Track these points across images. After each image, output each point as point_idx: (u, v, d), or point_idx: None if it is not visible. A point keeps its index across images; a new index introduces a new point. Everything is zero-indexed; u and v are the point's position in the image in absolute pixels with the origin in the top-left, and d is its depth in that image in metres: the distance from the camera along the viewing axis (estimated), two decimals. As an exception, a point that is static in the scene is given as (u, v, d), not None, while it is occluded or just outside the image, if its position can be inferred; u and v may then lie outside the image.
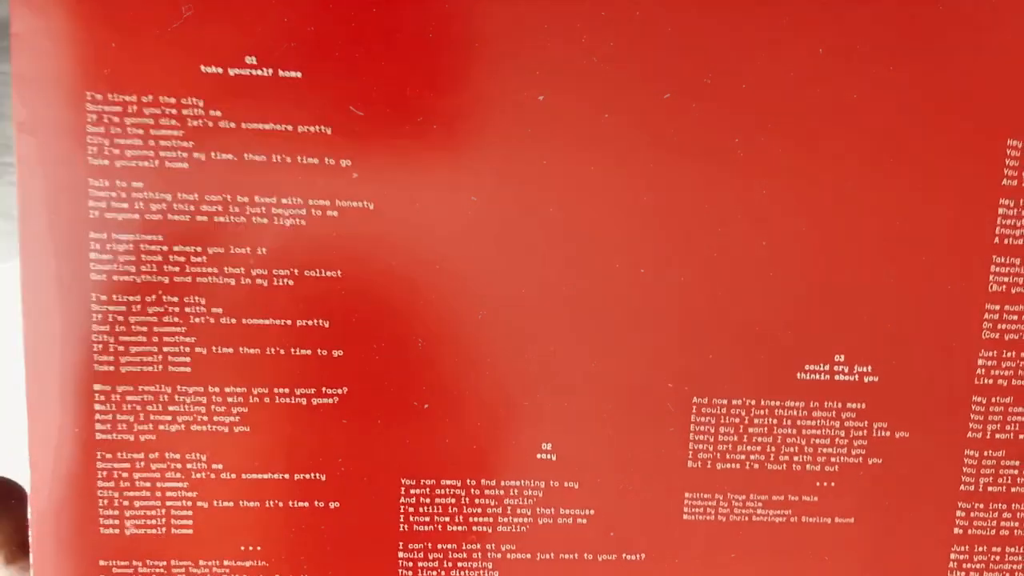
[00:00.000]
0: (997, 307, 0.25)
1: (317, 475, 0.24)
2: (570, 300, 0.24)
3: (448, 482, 0.25)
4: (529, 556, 0.25)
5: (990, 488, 0.26)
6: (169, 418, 0.24)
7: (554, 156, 0.23)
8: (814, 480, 0.26)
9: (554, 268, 0.24)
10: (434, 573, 0.25)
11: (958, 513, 0.26)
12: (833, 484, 0.26)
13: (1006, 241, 0.25)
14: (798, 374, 0.25)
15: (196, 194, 0.23)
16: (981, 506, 0.26)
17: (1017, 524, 0.26)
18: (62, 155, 0.22)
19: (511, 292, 0.24)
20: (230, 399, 0.24)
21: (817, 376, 0.25)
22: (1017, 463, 0.26)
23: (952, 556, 0.26)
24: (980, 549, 0.26)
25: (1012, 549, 0.26)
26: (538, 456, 0.25)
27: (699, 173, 0.24)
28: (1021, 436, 0.26)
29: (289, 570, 0.25)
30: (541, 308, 0.24)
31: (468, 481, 0.25)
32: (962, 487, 0.26)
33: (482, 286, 0.24)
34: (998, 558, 0.26)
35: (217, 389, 0.24)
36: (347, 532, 0.25)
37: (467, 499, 0.25)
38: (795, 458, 0.26)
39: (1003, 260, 0.25)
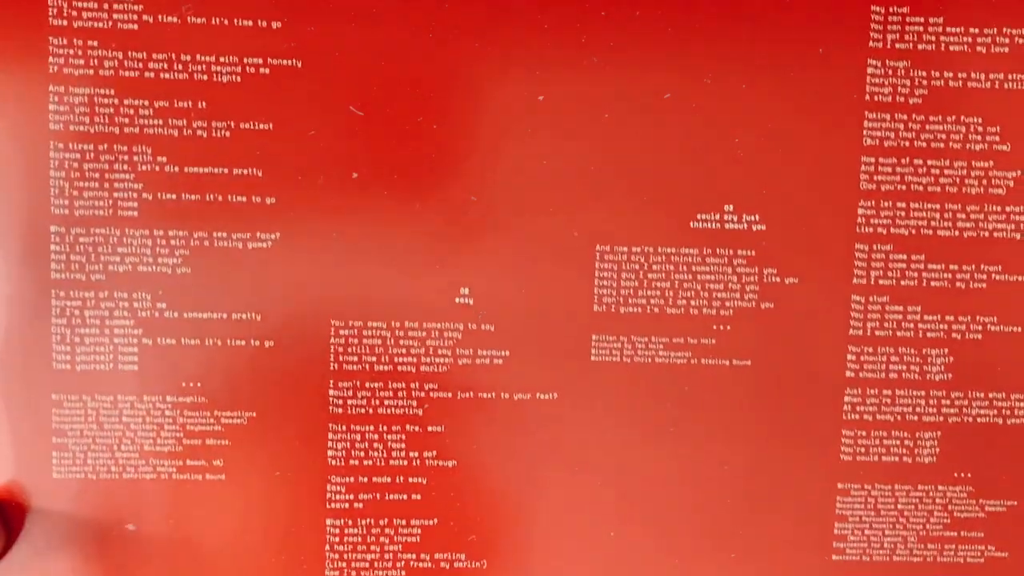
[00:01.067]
0: (872, 159, 0.28)
1: (253, 315, 0.27)
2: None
3: (374, 324, 0.27)
4: (450, 395, 0.28)
5: (877, 332, 0.28)
6: (118, 259, 0.26)
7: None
8: (711, 324, 0.28)
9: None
10: (363, 409, 0.27)
11: (849, 357, 0.28)
12: (729, 328, 0.28)
13: (876, 98, 0.27)
14: (691, 223, 0.28)
15: (144, 52, 0.26)
16: (870, 350, 0.28)
17: (904, 367, 0.28)
18: (23, 15, 0.25)
19: (433, 140, 0.27)
20: (173, 242, 0.26)
21: (709, 225, 0.28)
22: (900, 308, 0.28)
23: (846, 399, 0.28)
24: (872, 392, 0.28)
25: (902, 392, 0.28)
26: (456, 300, 0.27)
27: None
28: (903, 282, 0.28)
29: (227, 405, 0.27)
30: (456, 162, 0.27)
31: (393, 323, 0.27)
32: (851, 331, 0.28)
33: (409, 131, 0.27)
34: (889, 401, 0.28)
35: (161, 232, 0.26)
36: (281, 370, 0.27)
37: (392, 340, 0.27)
38: (692, 302, 0.28)
39: (875, 116, 0.27)
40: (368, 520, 0.28)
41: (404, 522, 0.28)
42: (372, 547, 0.28)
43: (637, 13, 0.26)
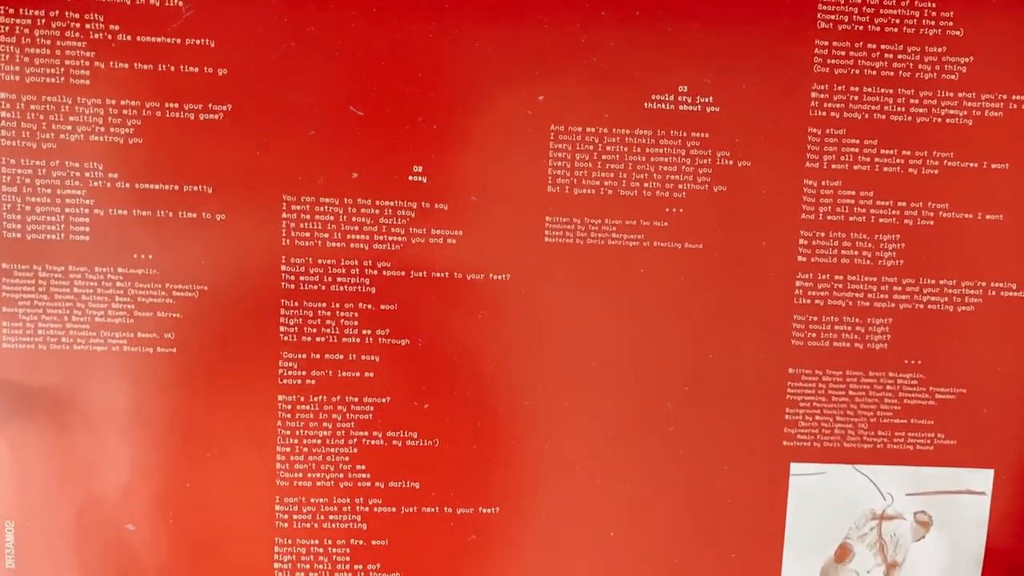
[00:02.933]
0: (826, 43, 0.28)
1: (204, 187, 0.27)
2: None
3: (327, 200, 0.27)
4: (403, 273, 0.28)
5: (829, 217, 0.28)
6: (69, 127, 0.26)
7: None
8: (664, 206, 0.28)
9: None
10: (315, 286, 0.27)
11: (800, 241, 0.28)
12: (682, 210, 0.28)
13: (829, -19, 0.27)
14: (645, 104, 0.28)
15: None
16: (822, 235, 0.28)
17: (856, 253, 0.28)
18: None
19: (390, 25, 0.27)
20: (125, 111, 0.26)
21: (663, 106, 0.28)
22: (853, 193, 0.28)
23: (797, 284, 0.28)
24: (823, 277, 0.28)
25: (853, 278, 0.29)
26: (410, 178, 0.27)
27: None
28: (855, 167, 0.28)
29: (179, 278, 0.27)
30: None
31: (345, 200, 0.27)
32: (803, 216, 0.28)
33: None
34: (840, 286, 0.29)
35: (113, 102, 0.26)
36: (233, 243, 0.27)
37: (344, 217, 0.27)
38: (645, 185, 0.28)
39: (829, 0, 0.27)
40: (320, 397, 0.28)
41: (356, 399, 0.28)
42: (324, 424, 0.28)
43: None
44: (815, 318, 0.29)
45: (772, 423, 0.29)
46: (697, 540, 0.29)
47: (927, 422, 0.29)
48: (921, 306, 0.29)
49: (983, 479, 0.29)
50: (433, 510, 0.28)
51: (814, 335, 0.29)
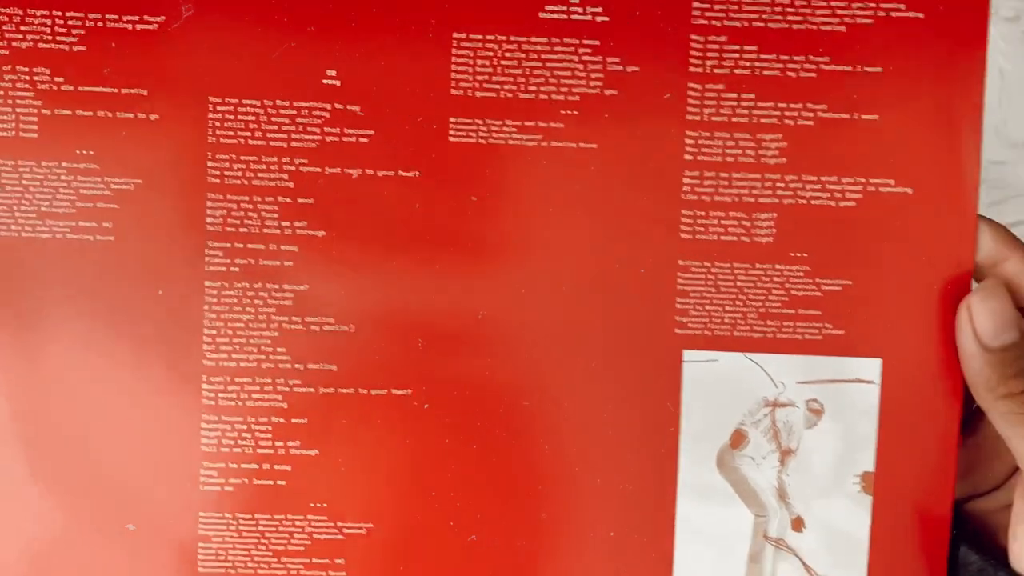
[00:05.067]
0: (705, -42, 0.30)
1: (140, 91, 0.30)
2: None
3: (248, 101, 0.30)
4: (319, 170, 0.30)
5: (714, 118, 0.30)
6: (20, 36, 0.29)
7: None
8: (559, 108, 0.30)
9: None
10: (238, 181, 0.30)
11: (687, 141, 0.31)
12: (576, 112, 0.30)
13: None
14: (540, 13, 0.30)
15: None
16: (707, 135, 0.31)
17: (740, 151, 0.31)
18: None
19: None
20: (71, 22, 0.29)
21: (556, 16, 0.30)
22: (735, 95, 0.30)
23: (685, 181, 0.31)
24: (709, 175, 0.31)
25: (738, 175, 0.31)
26: (324, 82, 0.30)
27: None
28: (736, 71, 0.30)
29: (117, 173, 0.30)
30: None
31: (265, 101, 0.30)
32: (688, 117, 0.30)
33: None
34: (726, 183, 0.31)
35: (60, 13, 0.29)
36: (164, 141, 0.30)
37: (265, 117, 0.30)
38: (542, 88, 0.30)
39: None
40: (243, 284, 0.30)
41: (277, 286, 0.30)
42: (248, 309, 0.30)
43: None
44: (703, 213, 0.31)
45: (664, 313, 0.31)
46: (593, 430, 0.31)
47: (814, 312, 0.31)
48: (804, 202, 0.31)
49: (871, 368, 0.31)
50: (349, 391, 0.31)
51: (702, 229, 0.31)
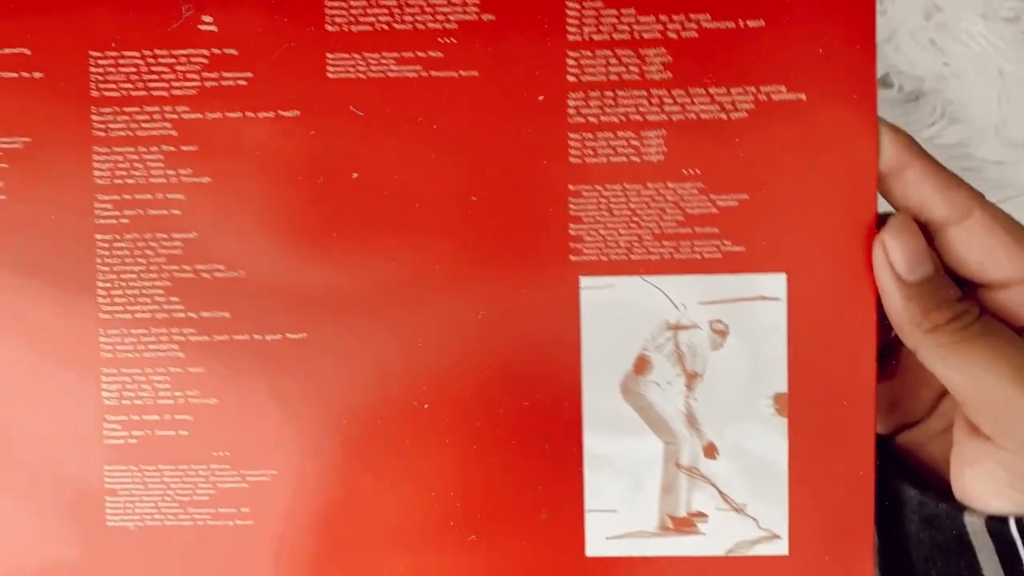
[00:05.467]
0: None
1: (22, 50, 0.30)
2: None
3: (128, 53, 0.30)
4: (201, 116, 0.30)
5: (594, 36, 0.30)
6: (-96, 4, 0.30)
7: None
8: (437, 37, 0.30)
9: None
10: (123, 132, 0.30)
11: (569, 62, 0.30)
12: (454, 40, 0.30)
13: None
14: (411, -56, 0.30)
15: None
16: (589, 54, 0.30)
17: (624, 69, 0.30)
18: None
19: None
20: (-50, -13, 0.30)
21: (428, -55, 0.30)
22: (615, 11, 0.30)
23: (570, 103, 0.30)
24: (594, 95, 0.30)
25: (624, 93, 0.30)
26: (200, 28, 0.30)
27: None
28: (614, -12, 0.30)
29: (6, 132, 0.30)
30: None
31: (145, 52, 0.30)
32: (569, 37, 0.30)
33: None
34: (612, 103, 0.30)
35: (-60, -21, 0.30)
36: (49, 99, 0.30)
37: (145, 67, 0.30)
38: (418, 18, 0.30)
39: None
40: (133, 235, 0.30)
41: (166, 236, 0.31)
42: (139, 259, 0.31)
43: None
44: (590, 136, 0.30)
45: (558, 240, 0.30)
46: (496, 366, 0.30)
47: (712, 230, 0.30)
48: (694, 116, 0.30)
49: (776, 284, 0.30)
50: (244, 338, 0.31)
51: (591, 152, 0.30)
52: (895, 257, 0.28)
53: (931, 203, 0.29)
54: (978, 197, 0.29)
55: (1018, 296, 0.29)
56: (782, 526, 0.30)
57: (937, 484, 0.31)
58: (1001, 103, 0.42)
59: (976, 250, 0.29)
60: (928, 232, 0.29)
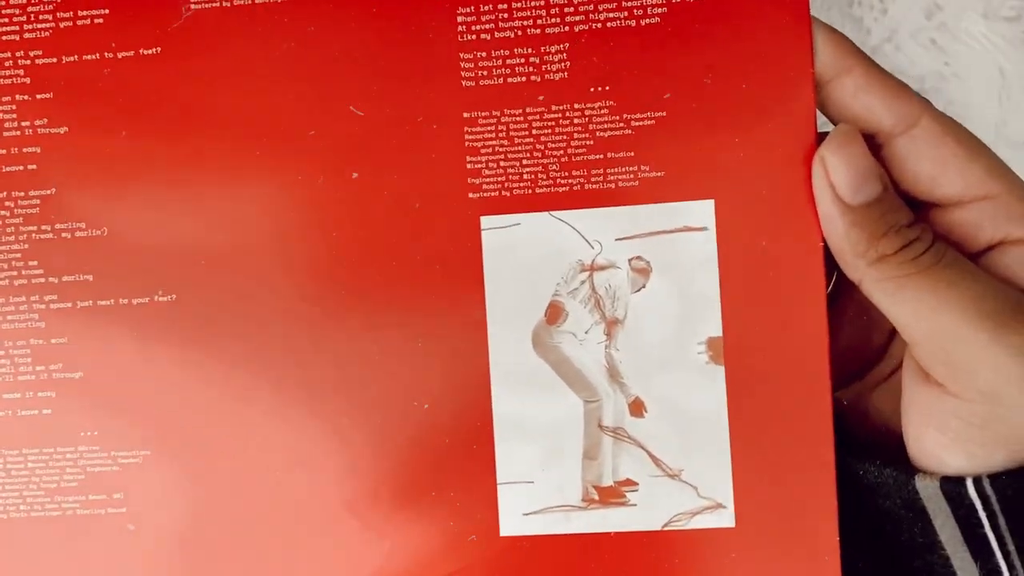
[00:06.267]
0: None
1: None
2: None
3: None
4: (55, 60, 0.27)
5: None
6: None
7: None
8: (308, -43, 0.27)
9: None
10: (-28, 83, 0.28)
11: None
12: None
13: None
14: None
15: None
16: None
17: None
18: None
19: None
20: None
21: None
22: (504, -84, 0.26)
23: (459, 19, 0.26)
24: (486, 8, 0.26)
25: (518, 3, 0.26)
26: (53, -36, 0.27)
27: None
28: None
29: None
30: None
31: (-6, -7, 0.28)
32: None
33: None
34: (506, 15, 0.26)
35: None
36: None
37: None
38: (286, -62, 0.27)
39: None
40: (-12, 193, 0.28)
41: (23, 193, 0.28)
42: (-7, 221, 0.28)
43: None
44: (483, 54, 0.26)
45: (455, 176, 0.27)
46: (395, 320, 0.27)
47: (626, 154, 0.26)
48: (599, 25, 0.26)
49: (703, 212, 0.26)
50: (108, 302, 0.27)
51: (485, 73, 0.26)
52: (836, 176, 0.24)
53: (874, 111, 0.25)
54: (925, 104, 0.25)
55: (973, 215, 0.24)
56: (726, 493, 0.26)
57: (884, 444, 0.26)
58: (1001, 103, 0.41)
59: (925, 163, 0.24)
60: (872, 146, 0.25)
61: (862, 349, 0.28)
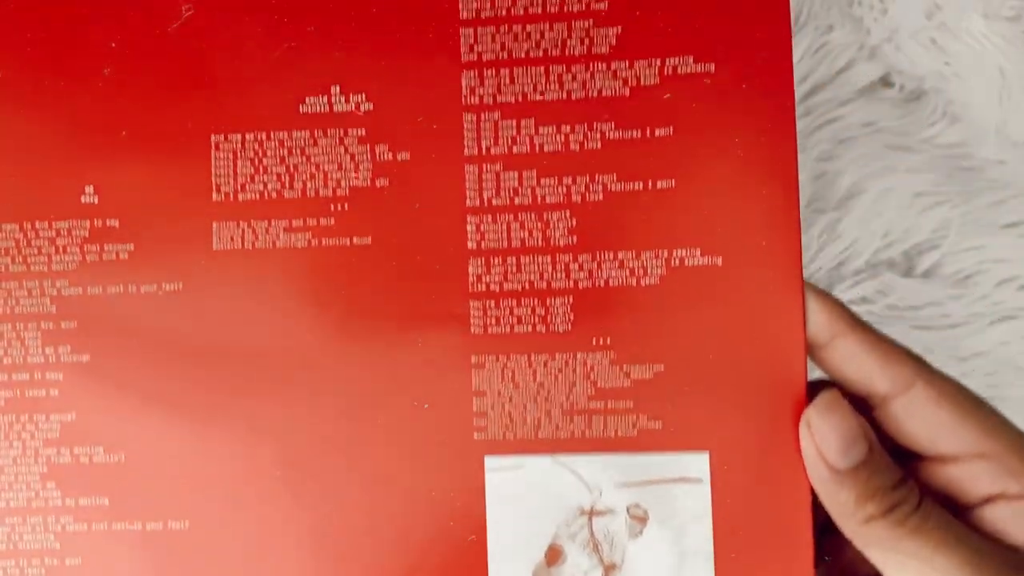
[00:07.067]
0: (471, 30, 0.28)
1: (-103, 225, 0.29)
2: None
3: (8, 226, 0.29)
4: (81, 291, 0.29)
5: (494, 201, 0.28)
6: None
7: None
8: (328, 204, 0.28)
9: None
10: (1, 310, 0.29)
11: (469, 228, 0.28)
12: (346, 207, 0.28)
13: (466, -28, 0.28)
14: (300, 107, 0.28)
15: None
16: (489, 219, 0.28)
17: (527, 234, 0.28)
18: None
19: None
20: None
21: (318, 108, 0.28)
22: (515, 174, 0.28)
23: (470, 270, 0.28)
24: (496, 261, 0.28)
25: (527, 259, 0.28)
26: (82, 199, 0.29)
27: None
28: (515, 148, 0.28)
29: None
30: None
31: (25, 224, 0.29)
32: (468, 202, 0.28)
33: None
34: (515, 269, 0.28)
35: None
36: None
37: (25, 241, 0.29)
38: (308, 184, 0.28)
39: (468, -10, 0.28)
40: (10, 417, 0.29)
41: (44, 417, 0.29)
42: (14, 443, 0.29)
43: None
44: (492, 303, 0.28)
45: (461, 417, 0.28)
46: (389, 551, 0.28)
47: (626, 404, 0.27)
48: (602, 283, 0.28)
49: (698, 463, 0.27)
50: (123, 526, 0.28)
51: (493, 321, 0.28)
52: (823, 442, 0.26)
53: (868, 377, 0.26)
54: (919, 366, 0.26)
55: (969, 470, 0.26)
56: None
57: None
58: (1002, 103, 0.41)
59: (920, 424, 0.26)
60: (867, 403, 0.26)
61: None
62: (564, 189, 0.28)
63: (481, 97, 0.28)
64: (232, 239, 0.28)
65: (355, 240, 0.28)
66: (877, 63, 0.42)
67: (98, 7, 0.29)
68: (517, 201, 0.28)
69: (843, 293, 0.42)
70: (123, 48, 0.29)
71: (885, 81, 0.42)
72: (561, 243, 0.28)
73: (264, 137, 0.28)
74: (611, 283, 0.28)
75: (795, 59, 0.41)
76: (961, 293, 0.42)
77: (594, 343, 0.28)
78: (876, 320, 0.41)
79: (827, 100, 0.42)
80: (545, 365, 0.28)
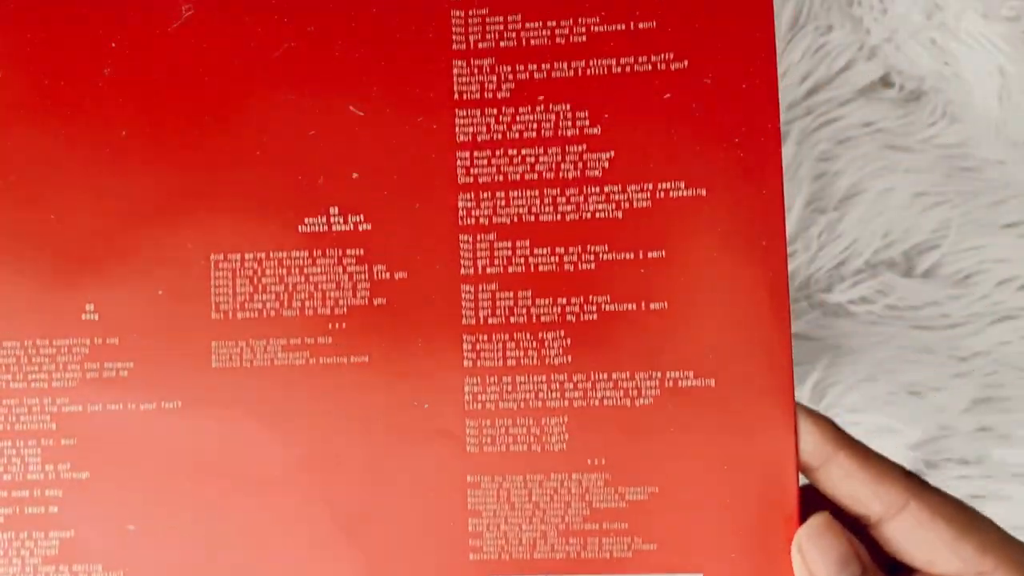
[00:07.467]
0: (467, 154, 0.29)
1: (-100, 342, 0.29)
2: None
3: (9, 343, 0.29)
4: (81, 408, 0.29)
5: (490, 320, 0.28)
6: None
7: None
8: (326, 323, 0.29)
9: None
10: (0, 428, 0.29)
11: (464, 347, 0.28)
12: (344, 325, 0.29)
13: (464, 96, 0.29)
14: (299, 227, 0.29)
15: None
16: (485, 338, 0.28)
17: (522, 353, 0.28)
18: None
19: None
20: None
21: (316, 228, 0.29)
22: (511, 294, 0.28)
23: (466, 389, 0.28)
24: (491, 380, 0.28)
25: (522, 378, 0.28)
26: (83, 317, 0.29)
27: None
28: (510, 269, 0.28)
29: None
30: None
31: (25, 342, 0.29)
32: (464, 321, 0.28)
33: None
34: (510, 388, 0.28)
35: None
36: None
37: (26, 358, 0.29)
38: (307, 303, 0.29)
39: (465, 113, 0.29)
40: (9, 534, 0.29)
41: (43, 534, 0.29)
42: (14, 560, 0.29)
43: None
44: (488, 423, 0.28)
45: (456, 537, 0.28)
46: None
47: (621, 525, 0.28)
48: (596, 403, 0.28)
49: (692, 585, 0.27)
50: (121, 645, 0.28)
51: (489, 440, 0.28)
52: (813, 565, 0.26)
53: (861, 499, 0.26)
54: (913, 486, 0.26)
55: None
56: None
57: None
58: (1001, 103, 0.40)
59: (916, 545, 0.26)
60: (861, 524, 0.27)
61: None
62: (559, 309, 0.28)
63: (477, 218, 0.28)
64: (231, 357, 0.29)
65: (353, 359, 0.28)
66: (877, 63, 0.42)
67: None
68: (512, 320, 0.28)
69: (843, 293, 0.41)
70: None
71: (885, 81, 0.42)
72: (556, 362, 0.28)
73: (263, 256, 0.29)
74: (606, 403, 0.28)
75: (795, 59, 0.41)
76: (961, 293, 0.41)
77: (589, 463, 0.28)
78: (876, 320, 0.41)
79: (827, 100, 0.42)
80: (540, 485, 0.28)
